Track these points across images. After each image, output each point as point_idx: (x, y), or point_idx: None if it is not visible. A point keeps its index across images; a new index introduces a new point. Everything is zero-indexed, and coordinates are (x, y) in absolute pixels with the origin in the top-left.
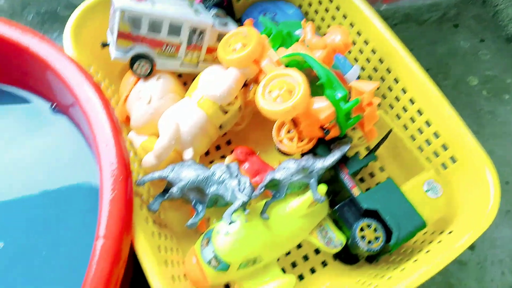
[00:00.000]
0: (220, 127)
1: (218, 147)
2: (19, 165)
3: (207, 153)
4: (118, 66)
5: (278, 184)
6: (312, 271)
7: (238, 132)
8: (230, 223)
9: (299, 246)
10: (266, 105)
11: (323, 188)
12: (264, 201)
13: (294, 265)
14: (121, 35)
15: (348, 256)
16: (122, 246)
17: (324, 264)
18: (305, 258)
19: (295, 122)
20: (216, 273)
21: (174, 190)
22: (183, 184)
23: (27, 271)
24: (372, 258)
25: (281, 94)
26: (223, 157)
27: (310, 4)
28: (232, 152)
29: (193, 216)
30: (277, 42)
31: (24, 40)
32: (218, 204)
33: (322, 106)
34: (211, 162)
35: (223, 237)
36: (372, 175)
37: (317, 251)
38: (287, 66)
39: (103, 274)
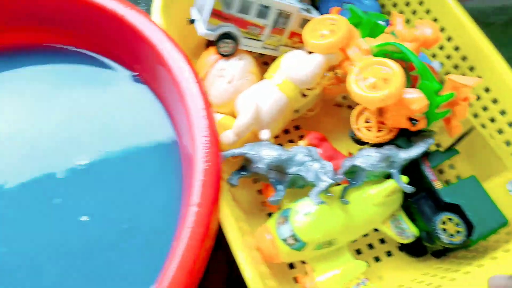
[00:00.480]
0: (296, 111)
1: (286, 131)
2: (100, 132)
3: (275, 136)
4: (192, 44)
5: (356, 171)
6: (377, 259)
7: (307, 118)
8: (319, 204)
9: (365, 234)
10: (361, 91)
11: (405, 179)
12: (341, 186)
13: (359, 252)
14: (213, 13)
15: (415, 248)
16: (213, 216)
17: (389, 254)
18: (370, 246)
19: (380, 111)
20: (290, 251)
21: (260, 166)
22: (268, 161)
23: (110, 245)
24: (440, 253)
25: (375, 82)
26: (291, 141)
27: None
28: (302, 137)
29: (274, 195)
30: (365, 31)
31: (120, 10)
32: (296, 185)
33: (416, 97)
34: (279, 145)
35: (303, 217)
36: (441, 171)
37: (382, 241)
38: (375, 55)
39: (196, 241)
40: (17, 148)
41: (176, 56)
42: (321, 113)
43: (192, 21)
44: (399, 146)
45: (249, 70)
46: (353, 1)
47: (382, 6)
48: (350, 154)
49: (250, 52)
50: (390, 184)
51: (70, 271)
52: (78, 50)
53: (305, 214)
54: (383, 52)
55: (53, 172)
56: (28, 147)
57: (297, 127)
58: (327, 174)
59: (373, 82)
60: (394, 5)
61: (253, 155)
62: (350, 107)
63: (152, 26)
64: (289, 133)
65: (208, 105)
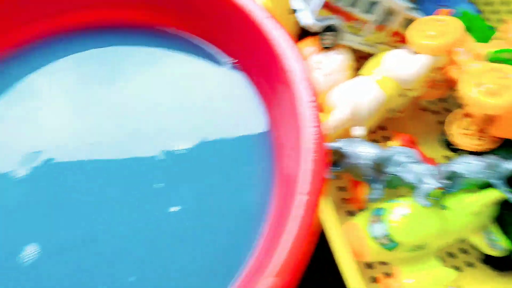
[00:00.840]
0: (390, 110)
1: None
2: (195, 117)
3: None
4: None
5: (453, 177)
6: (457, 268)
7: (393, 119)
8: (426, 206)
9: (455, 242)
10: (479, 96)
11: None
12: (437, 191)
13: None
14: (324, 4)
15: (502, 261)
16: (319, 207)
17: (469, 264)
18: (450, 255)
19: (489, 120)
20: (380, 249)
21: (364, 162)
22: (373, 157)
23: (194, 238)
24: None
25: (493, 88)
26: (375, 141)
27: (487, 3)
28: (387, 138)
29: (373, 193)
30: (478, 36)
31: None
32: (390, 185)
33: None
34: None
35: (399, 217)
36: None
37: (463, 250)
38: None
39: (306, 231)
40: (119, 126)
41: (285, 42)
42: (406, 115)
43: (293, 11)
44: (500, 156)
45: (346, 65)
46: (448, 4)
47: (479, 12)
48: (433, 160)
49: (347, 47)
50: (491, 194)
51: (152, 259)
52: (177, 32)
53: (401, 215)
54: (496, 59)
55: (155, 155)
56: (129, 126)
57: (381, 127)
58: (432, 177)
59: (491, 88)
60: (494, 12)
61: (349, 150)
62: (436, 112)
63: (260, 11)
64: (374, 132)
65: (316, 94)
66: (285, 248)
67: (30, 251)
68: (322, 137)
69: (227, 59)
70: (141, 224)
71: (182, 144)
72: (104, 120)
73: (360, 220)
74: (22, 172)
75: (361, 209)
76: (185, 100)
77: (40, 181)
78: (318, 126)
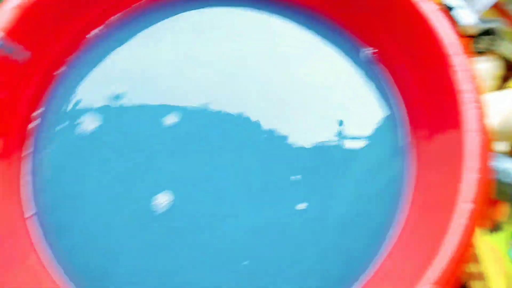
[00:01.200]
0: None
1: None
2: (326, 111)
3: None
4: None
5: None
6: None
7: None
8: None
9: None
10: None
11: None
12: None
13: None
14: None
15: None
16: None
17: None
18: None
19: None
20: None
21: None
22: None
23: (316, 240)
24: None
25: None
26: None
27: None
28: None
29: None
30: None
31: None
32: None
33: None
34: None
35: None
36: None
37: None
38: None
39: (468, 240)
40: (264, 104)
41: (450, 35)
42: None
43: (448, 8)
44: None
45: (495, 73)
46: None
47: None
48: None
49: (498, 55)
50: None
51: (269, 255)
52: (310, 11)
53: None
54: None
55: (293, 140)
56: (262, 106)
57: None
58: None
59: None
60: None
61: (496, 166)
62: None
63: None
64: None
65: (481, 94)
66: (445, 256)
67: (163, 200)
68: (488, 142)
69: (365, 48)
70: (267, 216)
71: (317, 135)
72: (244, 92)
73: (497, 241)
74: (168, 122)
75: (485, 229)
76: (315, 85)
77: (185, 137)
78: (484, 131)
